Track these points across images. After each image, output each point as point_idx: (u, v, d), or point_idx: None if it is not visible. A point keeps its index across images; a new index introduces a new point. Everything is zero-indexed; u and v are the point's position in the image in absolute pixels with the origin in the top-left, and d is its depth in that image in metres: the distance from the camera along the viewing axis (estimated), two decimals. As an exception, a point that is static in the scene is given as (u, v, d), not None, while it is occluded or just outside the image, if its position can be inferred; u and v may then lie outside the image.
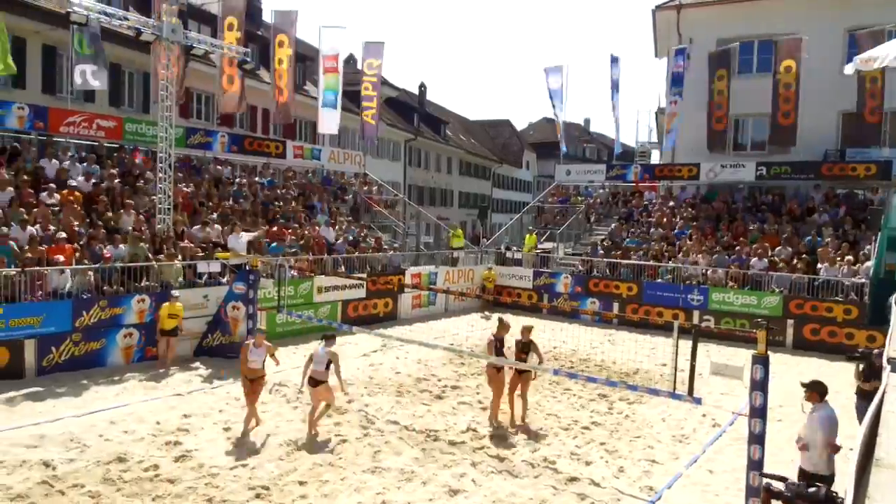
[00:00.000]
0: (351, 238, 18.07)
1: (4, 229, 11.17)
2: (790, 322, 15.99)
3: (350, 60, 41.17)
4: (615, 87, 24.48)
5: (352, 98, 31.98)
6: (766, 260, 17.16)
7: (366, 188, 22.96)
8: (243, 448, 8.03)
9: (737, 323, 16.30)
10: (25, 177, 13.31)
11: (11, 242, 11.01)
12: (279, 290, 12.81)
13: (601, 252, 20.13)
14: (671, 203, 22.41)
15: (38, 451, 7.57)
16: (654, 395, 9.28)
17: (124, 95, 21.07)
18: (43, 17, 17.76)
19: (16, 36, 17.34)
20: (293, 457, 7.83)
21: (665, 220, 21.23)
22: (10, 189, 12.55)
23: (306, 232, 16.94)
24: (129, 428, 8.49)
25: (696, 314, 17.15)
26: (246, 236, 14.45)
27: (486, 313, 19.42)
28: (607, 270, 19.21)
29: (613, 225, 22.29)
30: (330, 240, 17.18)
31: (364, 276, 16.41)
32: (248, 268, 12.58)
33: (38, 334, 10.55)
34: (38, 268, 10.83)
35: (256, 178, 19.40)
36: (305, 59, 30.28)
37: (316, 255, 16.10)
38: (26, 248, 10.99)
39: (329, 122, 22.03)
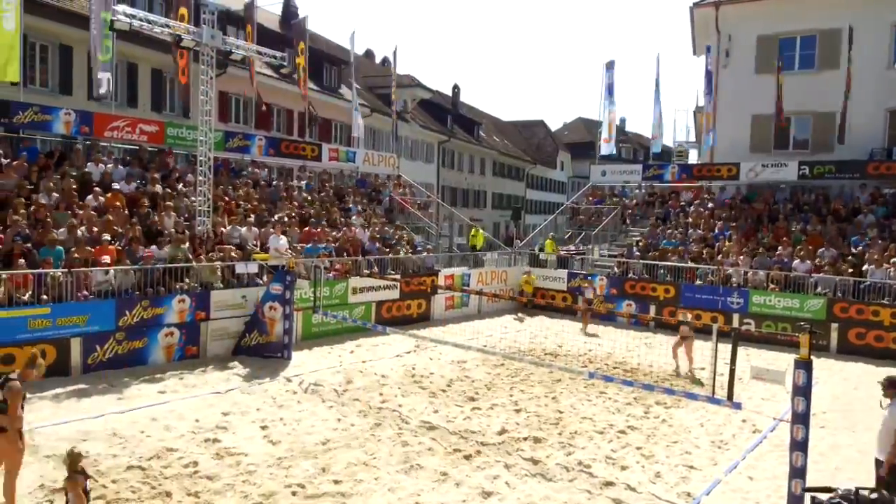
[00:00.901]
0: (385, 239, 18.19)
1: (53, 232, 11.54)
2: (834, 326, 15.53)
3: (385, 62, 41.52)
4: (657, 85, 24.15)
5: (385, 100, 32.25)
6: (809, 262, 16.70)
7: (400, 190, 23.09)
8: (280, 446, 8.15)
9: (778, 326, 15.90)
10: (72, 180, 13.75)
11: (59, 245, 11.38)
12: (315, 290, 12.96)
13: (637, 253, 19.85)
14: (710, 204, 21.98)
15: (83, 446, 7.78)
16: (693, 399, 9.12)
17: (165, 100, 21.62)
18: (88, 25, 18.32)
19: (63, 44, 17.97)
20: (328, 456, 7.90)
21: (703, 221, 20.83)
22: (57, 193, 12.97)
23: (341, 233, 17.13)
24: (170, 425, 8.69)
25: (735, 317, 16.77)
26: (282, 238, 14.68)
27: (520, 315, 19.34)
28: (644, 272, 18.93)
29: (650, 226, 21.98)
30: (364, 241, 17.33)
31: (398, 277, 16.50)
32: (284, 269, 12.78)
33: (83, 333, 10.88)
34: (83, 268, 11.18)
35: (293, 181, 19.70)
36: (340, 63, 30.62)
37: (350, 256, 16.27)
38: (73, 249, 11.35)
39: (359, 124, 22.49)
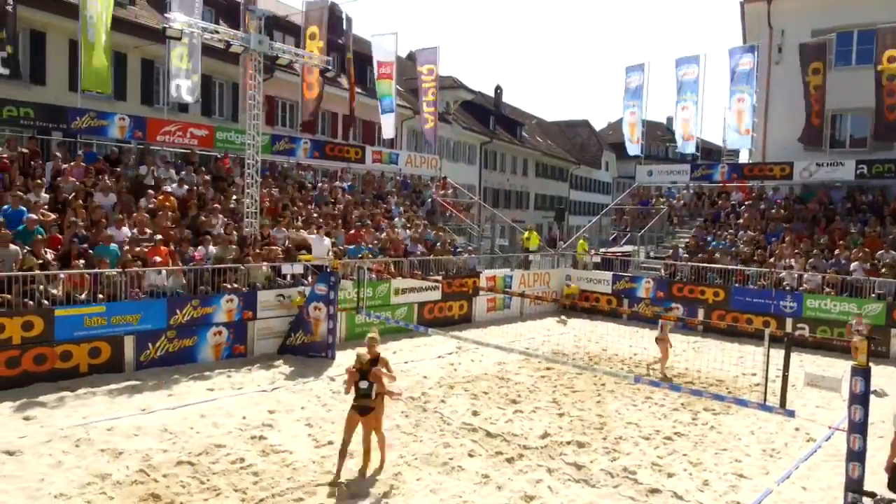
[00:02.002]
0: (427, 241, 18.26)
1: (108, 232, 11.97)
2: (894, 332, 14.85)
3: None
4: (683, 88, 23.58)
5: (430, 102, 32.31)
6: (867, 264, 16.02)
7: (441, 191, 23.15)
8: (324, 445, 8.24)
9: (834, 332, 15.28)
10: (126, 183, 14.24)
11: (114, 245, 11.80)
12: (358, 291, 13.10)
13: (685, 255, 19.40)
14: (762, 204, 21.33)
15: (136, 441, 8.06)
16: (743, 406, 8.86)
17: (215, 105, 22.21)
18: (141, 33, 19.00)
19: (118, 52, 18.64)
20: (370, 455, 7.95)
21: (755, 222, 20.23)
22: (113, 195, 13.47)
23: (384, 235, 17.28)
24: (218, 421, 8.90)
25: (789, 322, 16.22)
26: (326, 239, 14.89)
27: (563, 317, 19.13)
28: (692, 275, 18.49)
29: (698, 227, 21.46)
30: (406, 242, 17.43)
31: (439, 278, 16.54)
32: (328, 269, 12.95)
33: (136, 331, 11.24)
34: (136, 268, 11.56)
35: (337, 183, 19.97)
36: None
37: (393, 257, 16.38)
38: (126, 250, 11.76)
39: (388, 126, 22.62)
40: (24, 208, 11.55)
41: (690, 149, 24.34)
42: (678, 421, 9.83)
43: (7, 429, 8.22)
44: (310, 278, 13.91)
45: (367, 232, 16.86)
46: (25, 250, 10.56)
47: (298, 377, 11.46)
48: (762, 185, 22.23)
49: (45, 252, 10.82)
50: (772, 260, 17.59)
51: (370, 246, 16.28)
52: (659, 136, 60.47)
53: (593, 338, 15.86)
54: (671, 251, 20.16)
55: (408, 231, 18.17)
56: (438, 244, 18.34)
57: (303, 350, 12.92)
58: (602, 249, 23.13)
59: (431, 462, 7.84)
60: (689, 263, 18.69)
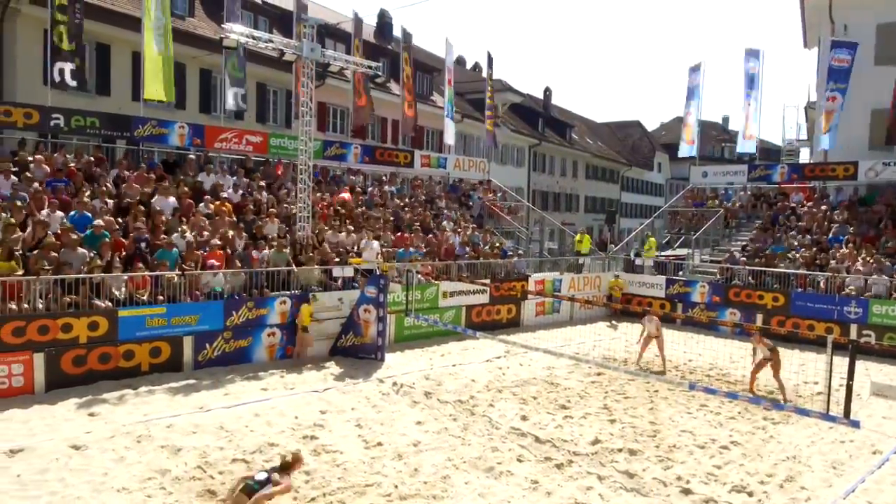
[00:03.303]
0: (474, 244, 18.26)
1: (165, 237, 12.43)
2: (970, 340, 14.04)
3: (476, 68, 41.76)
4: (751, 82, 22.85)
5: (476, 106, 32.41)
6: (940, 269, 15.19)
7: (490, 195, 23.13)
8: (373, 446, 8.33)
9: (903, 339, 14.53)
10: (186, 189, 14.77)
11: (175, 249, 12.25)
12: (407, 294, 13.20)
13: (742, 259, 18.79)
14: (824, 206, 20.49)
15: (194, 438, 8.33)
16: (804, 415, 8.52)
17: (268, 112, 22.80)
18: (200, 44, 19.67)
19: (177, 62, 19.34)
20: (419, 457, 8.00)
21: (817, 224, 19.44)
22: (172, 200, 13.98)
23: (432, 238, 17.36)
24: (272, 421, 9.10)
25: (853, 328, 15.49)
26: (375, 243, 15.08)
27: (614, 322, 18.81)
28: (750, 279, 17.89)
29: (756, 230, 20.76)
30: (454, 246, 17.47)
31: (487, 281, 16.50)
32: (378, 272, 13.10)
33: (194, 332, 11.62)
34: (195, 271, 11.96)
35: (386, 187, 20.21)
36: (433, 71, 31.08)
37: (441, 260, 16.44)
38: (185, 253, 12.19)
39: (450, 131, 22.77)
40: (90, 214, 12.13)
41: (751, 148, 23.66)
42: (735, 430, 9.52)
43: (74, 424, 8.63)
44: (360, 281, 14.10)
45: (416, 235, 16.98)
46: (91, 254, 11.06)
47: (348, 378, 11.62)
48: (824, 185, 21.36)
49: (110, 255, 11.32)
50: (835, 264, 16.86)
51: (418, 249, 16.39)
52: (714, 136, 58.84)
53: (645, 343, 15.49)
54: (727, 254, 19.56)
55: (456, 235, 18.21)
56: (486, 247, 18.31)
57: (353, 352, 13.10)
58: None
59: (479, 466, 7.82)
60: (747, 267, 18.09)
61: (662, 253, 22.27)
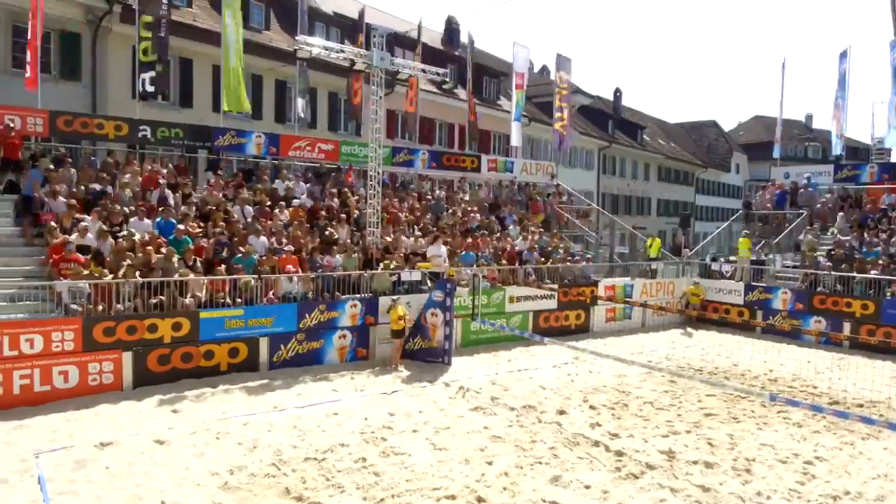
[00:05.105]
0: (542, 248, 18.08)
1: (248, 244, 12.95)
2: None
3: (543, 71, 41.44)
4: (842, 83, 21.57)
5: (544, 109, 32.12)
6: None
7: (557, 198, 22.87)
8: (439, 449, 8.38)
9: None
10: (263, 196, 15.35)
11: (254, 255, 12.76)
12: (473, 298, 13.21)
13: (828, 264, 17.79)
14: (918, 207, 19.13)
15: (269, 436, 8.63)
16: (898, 431, 7.97)
17: (339, 120, 23.40)
18: (275, 56, 20.42)
19: (254, 74, 20.15)
20: (486, 462, 7.98)
21: (911, 227, 18.17)
22: (250, 207, 14.56)
23: (498, 242, 17.32)
24: (342, 421, 9.32)
25: (953, 339, 14.39)
26: (443, 247, 15.18)
27: (689, 329, 18.17)
28: (837, 285, 16.91)
29: (843, 233, 19.59)
30: (521, 250, 17.37)
31: (555, 286, 16.30)
32: (445, 277, 13.18)
33: (270, 333, 12.05)
34: (271, 275, 12.41)
35: (454, 192, 20.33)
36: (499, 75, 31.06)
37: (508, 265, 16.37)
38: (262, 258, 12.67)
39: (516, 134, 22.67)
40: (174, 220, 12.81)
41: (839, 148, 22.46)
42: (820, 444, 9.02)
43: (158, 420, 9.12)
44: (427, 285, 14.24)
45: (483, 240, 16.99)
46: (175, 258, 11.67)
47: (416, 381, 11.74)
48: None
49: (193, 260, 11.91)
50: (933, 269, 15.71)
51: (485, 254, 16.38)
52: (797, 135, 56.04)
53: (723, 352, 14.92)
54: (812, 259, 18.55)
55: (523, 239, 18.09)
56: (554, 252, 18.10)
57: (420, 355, 13.23)
58: (732, 258, 21.69)
59: (547, 473, 7.73)
60: (833, 273, 17.10)
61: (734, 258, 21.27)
